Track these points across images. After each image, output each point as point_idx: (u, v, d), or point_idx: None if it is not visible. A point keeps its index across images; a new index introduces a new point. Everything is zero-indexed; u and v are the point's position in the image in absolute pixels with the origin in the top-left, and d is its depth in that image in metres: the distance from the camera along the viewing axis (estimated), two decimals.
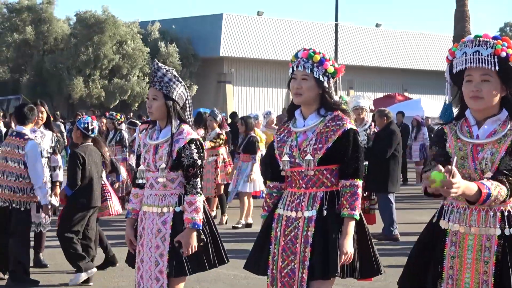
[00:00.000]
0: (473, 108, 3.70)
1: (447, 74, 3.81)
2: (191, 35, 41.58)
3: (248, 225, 12.31)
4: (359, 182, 4.59)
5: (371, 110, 11.77)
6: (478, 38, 3.67)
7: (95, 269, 8.12)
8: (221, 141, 12.61)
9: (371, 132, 11.10)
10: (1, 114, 25.42)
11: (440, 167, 3.30)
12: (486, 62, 3.60)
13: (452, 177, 3.27)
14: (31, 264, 8.46)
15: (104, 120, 14.20)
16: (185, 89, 5.29)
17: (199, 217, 5.10)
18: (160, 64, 5.27)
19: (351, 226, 4.55)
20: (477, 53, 3.63)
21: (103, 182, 8.76)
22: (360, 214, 4.63)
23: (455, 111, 3.88)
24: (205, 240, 5.16)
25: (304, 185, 4.62)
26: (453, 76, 3.77)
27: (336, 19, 33.19)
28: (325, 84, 4.63)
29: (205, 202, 5.44)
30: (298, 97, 4.64)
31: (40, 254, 8.97)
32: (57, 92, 39.26)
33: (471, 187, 3.41)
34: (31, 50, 40.25)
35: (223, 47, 41.19)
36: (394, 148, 10.99)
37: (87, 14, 39.46)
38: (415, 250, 3.90)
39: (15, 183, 7.94)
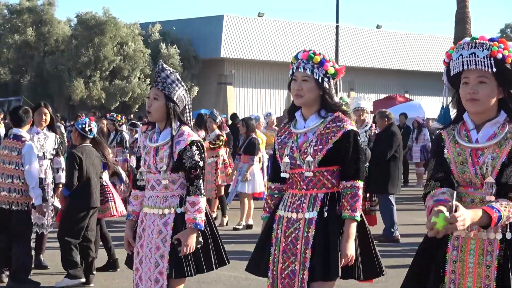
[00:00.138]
0: (470, 110, 3.68)
1: (445, 77, 3.80)
2: (192, 37, 41.58)
3: (249, 227, 12.30)
4: (360, 184, 4.59)
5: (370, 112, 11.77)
6: (474, 40, 3.66)
7: (83, 279, 8.10)
8: (220, 143, 12.61)
9: (372, 133, 11.10)
10: (2, 115, 25.40)
11: (441, 208, 3.33)
12: (482, 64, 3.59)
13: (455, 211, 3.28)
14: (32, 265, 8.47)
15: (105, 122, 14.21)
16: (186, 93, 5.29)
17: (202, 218, 5.10)
18: (165, 65, 5.28)
19: (352, 228, 4.54)
20: (473, 55, 3.61)
21: (105, 183, 8.77)
22: (361, 216, 4.63)
23: (453, 114, 3.87)
24: (203, 243, 5.15)
25: (304, 187, 4.62)
26: (451, 79, 3.76)
27: (337, 21, 33.20)
28: (326, 85, 4.63)
29: (206, 203, 5.45)
30: (298, 98, 4.64)
31: (41, 255, 8.98)
32: (58, 94, 39.26)
33: (478, 215, 3.42)
34: (31, 52, 40.26)
35: (224, 49, 41.20)
36: (394, 149, 10.99)
37: (88, 16, 39.46)
38: (418, 253, 3.89)
39: (13, 184, 7.94)
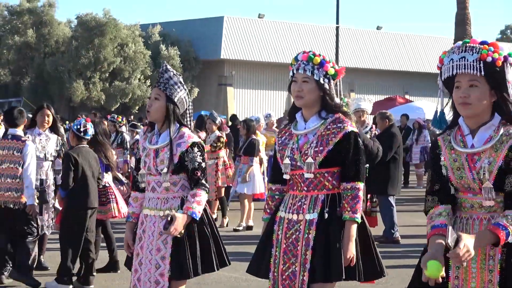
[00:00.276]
0: (463, 114, 3.68)
1: (440, 81, 3.80)
2: (192, 38, 41.59)
3: (249, 228, 12.30)
4: (360, 185, 4.59)
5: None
6: (465, 44, 3.67)
7: (70, 287, 8.10)
8: (221, 144, 12.61)
9: (372, 134, 11.10)
10: (2, 116, 25.40)
11: (426, 255, 3.41)
12: (472, 68, 3.59)
13: (456, 245, 3.32)
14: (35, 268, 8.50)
15: (105, 123, 14.23)
16: (188, 96, 5.30)
17: (199, 209, 5.08)
18: (168, 67, 5.29)
19: (353, 229, 4.54)
20: (463, 59, 3.61)
21: (107, 185, 8.77)
22: (362, 217, 4.63)
23: (449, 117, 3.87)
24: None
25: (305, 188, 4.62)
26: (446, 83, 3.76)
27: (337, 22, 33.20)
28: (326, 86, 4.63)
29: (207, 204, 5.45)
30: (299, 99, 4.64)
31: (41, 256, 8.97)
32: (58, 95, 39.27)
33: (483, 238, 3.46)
34: (32, 53, 40.26)
35: (224, 50, 41.20)
36: (394, 151, 10.99)
37: (88, 17, 39.47)
38: (417, 268, 3.88)
39: (13, 183, 7.95)
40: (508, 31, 71.53)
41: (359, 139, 4.63)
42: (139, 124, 17.01)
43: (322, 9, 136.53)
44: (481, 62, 3.59)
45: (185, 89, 5.27)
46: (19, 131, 8.13)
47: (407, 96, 40.08)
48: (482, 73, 3.58)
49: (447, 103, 3.80)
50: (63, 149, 8.74)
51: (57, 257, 8.61)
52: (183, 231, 5.06)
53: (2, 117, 23.11)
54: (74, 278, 8.18)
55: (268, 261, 4.67)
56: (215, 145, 12.51)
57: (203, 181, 5.15)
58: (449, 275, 3.70)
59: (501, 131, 3.62)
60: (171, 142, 5.14)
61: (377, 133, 11.20)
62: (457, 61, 3.63)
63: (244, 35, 42.06)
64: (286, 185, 4.79)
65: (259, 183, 12.43)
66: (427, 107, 29.81)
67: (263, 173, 13.09)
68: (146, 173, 5.25)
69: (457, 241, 3.36)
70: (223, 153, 12.77)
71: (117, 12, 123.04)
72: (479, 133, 3.67)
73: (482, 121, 3.67)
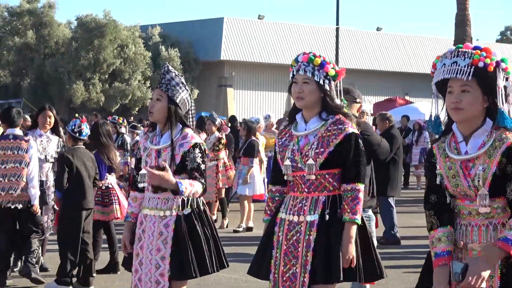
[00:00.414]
0: (455, 119, 3.68)
1: (434, 86, 3.80)
2: (192, 39, 41.60)
3: (249, 229, 12.30)
4: (361, 186, 4.58)
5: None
6: (457, 49, 3.67)
7: None
8: (222, 146, 12.60)
9: None
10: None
11: None
12: (463, 73, 3.58)
13: (463, 277, 3.37)
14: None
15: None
16: (190, 97, 5.31)
17: (189, 188, 4.99)
18: (170, 68, 5.30)
19: (352, 231, 4.54)
20: (455, 64, 3.61)
21: (110, 186, 8.77)
22: (362, 219, 4.63)
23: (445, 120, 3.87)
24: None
25: (306, 189, 4.61)
26: (440, 88, 3.76)
27: (337, 23, 33.21)
28: (327, 87, 4.63)
29: (206, 205, 5.45)
30: (300, 101, 4.63)
31: (41, 257, 8.97)
32: (58, 96, 39.27)
33: (494, 257, 3.49)
34: (32, 54, 40.26)
35: (224, 51, 41.21)
36: (394, 152, 10.98)
37: (88, 18, 39.46)
38: (426, 261, 3.88)
39: (14, 183, 7.95)
40: (508, 32, 71.51)
41: (359, 140, 4.63)
42: (139, 125, 17.00)
43: (322, 10, 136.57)
44: (473, 67, 3.58)
45: (187, 90, 5.28)
46: (19, 130, 8.13)
47: (407, 97, 40.08)
48: (474, 78, 3.58)
49: (442, 107, 3.80)
50: (63, 151, 8.74)
51: (57, 258, 8.61)
52: (161, 184, 5.00)
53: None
54: (74, 279, 8.18)
55: (268, 262, 4.67)
56: (217, 148, 12.49)
57: (203, 180, 5.14)
58: (452, 281, 3.70)
59: (494, 136, 3.62)
60: (172, 143, 5.14)
61: None
62: (449, 66, 3.63)
63: (244, 36, 42.07)
64: (287, 186, 4.78)
65: (259, 184, 12.44)
66: (427, 108, 29.80)
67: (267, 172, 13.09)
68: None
69: (466, 268, 3.41)
70: (223, 155, 12.77)
71: (117, 13, 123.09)
72: (472, 139, 3.67)
73: (475, 126, 3.66)
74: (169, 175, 4.90)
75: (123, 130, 14.50)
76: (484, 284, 3.45)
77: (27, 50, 40.11)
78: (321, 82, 4.61)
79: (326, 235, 4.53)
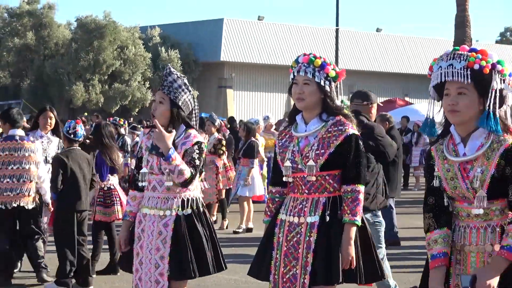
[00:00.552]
0: (452, 121, 3.69)
1: (431, 88, 3.81)
2: (192, 40, 41.61)
3: (249, 230, 12.30)
4: (361, 188, 4.58)
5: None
6: (454, 52, 3.67)
7: None
8: (224, 148, 12.59)
9: None
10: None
11: None
12: (459, 75, 3.59)
13: (474, 283, 3.41)
14: (31, 269, 8.49)
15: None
16: (193, 98, 5.32)
17: (175, 160, 5.02)
18: (172, 69, 5.30)
19: (352, 232, 4.53)
20: (451, 66, 3.62)
21: (112, 187, 8.77)
22: (362, 220, 4.63)
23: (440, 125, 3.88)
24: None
25: (306, 191, 4.61)
26: (438, 90, 3.77)
27: (337, 24, 33.22)
28: (327, 88, 4.63)
29: (205, 207, 5.46)
30: (300, 102, 4.63)
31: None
32: (58, 97, 39.29)
33: (500, 267, 3.51)
34: (31, 55, 40.28)
35: (224, 52, 41.22)
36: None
37: (88, 19, 39.49)
38: (427, 263, 3.88)
39: (18, 184, 7.96)
40: (508, 33, 71.54)
41: (360, 141, 4.63)
42: (139, 126, 17.00)
43: (321, 11, 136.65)
44: (469, 69, 3.59)
45: (190, 91, 5.29)
46: (21, 131, 8.15)
47: (407, 98, 40.10)
48: (470, 80, 3.59)
49: (439, 110, 3.81)
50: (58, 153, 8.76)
51: (56, 259, 8.62)
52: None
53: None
54: (74, 281, 8.18)
55: (268, 263, 4.67)
56: (220, 152, 12.47)
57: (192, 170, 5.13)
58: (450, 283, 3.72)
59: (491, 137, 3.62)
60: (174, 144, 5.16)
61: None
62: (445, 68, 3.64)
63: (243, 37, 42.08)
64: (287, 187, 4.78)
65: (258, 185, 12.44)
66: (426, 109, 29.76)
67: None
68: (148, 172, 5.26)
69: (474, 279, 3.43)
70: (223, 156, 12.76)
71: (116, 14, 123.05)
72: (470, 141, 3.67)
73: (472, 128, 3.67)
74: (169, 137, 5.02)
75: (123, 131, 14.50)
76: None
77: (27, 51, 40.13)
78: (322, 83, 4.61)
79: (327, 237, 4.53)
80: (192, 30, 42.23)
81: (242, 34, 42.11)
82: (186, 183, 5.12)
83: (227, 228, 12.56)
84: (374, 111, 7.18)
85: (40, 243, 8.26)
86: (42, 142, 8.47)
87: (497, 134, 3.61)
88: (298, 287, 4.53)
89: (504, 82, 3.65)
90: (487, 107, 3.60)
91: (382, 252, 7.02)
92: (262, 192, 12.60)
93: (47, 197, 8.17)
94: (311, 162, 4.55)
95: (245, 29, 42.36)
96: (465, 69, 3.59)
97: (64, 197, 7.89)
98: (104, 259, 8.98)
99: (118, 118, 15.11)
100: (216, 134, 12.62)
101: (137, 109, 40.23)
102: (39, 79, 39.48)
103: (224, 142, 12.66)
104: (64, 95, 38.70)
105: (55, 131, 8.72)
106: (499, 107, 3.64)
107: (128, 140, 14.29)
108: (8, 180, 7.95)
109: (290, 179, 4.67)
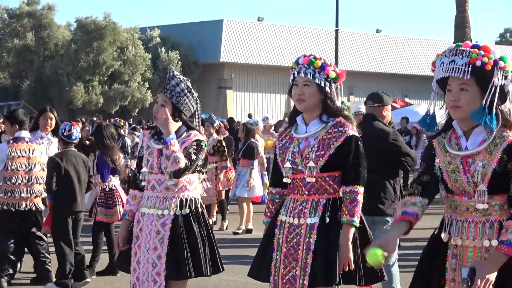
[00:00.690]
0: (454, 117, 3.71)
1: (435, 83, 3.82)
2: (192, 41, 41.62)
3: (249, 231, 12.30)
4: (360, 189, 4.58)
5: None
6: (456, 48, 3.68)
7: None
8: (225, 150, 12.58)
9: None
10: (2, 119, 25.39)
11: (377, 244, 3.59)
12: (461, 71, 3.60)
13: (471, 282, 3.41)
14: (32, 270, 8.50)
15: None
16: (196, 101, 5.34)
17: (174, 146, 5.09)
18: (175, 73, 5.33)
19: (349, 233, 4.52)
20: (453, 62, 3.63)
21: (114, 188, 8.77)
22: (362, 221, 4.62)
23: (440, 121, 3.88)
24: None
25: (306, 192, 4.61)
26: (441, 86, 3.78)
27: (337, 25, 33.22)
28: (327, 89, 4.63)
29: (204, 208, 5.47)
30: (300, 103, 4.63)
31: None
32: (58, 98, 39.30)
33: (499, 261, 3.51)
34: (31, 56, 40.29)
35: (224, 53, 41.23)
36: None
37: (88, 20, 39.51)
38: (420, 261, 3.89)
39: (28, 186, 7.98)
40: (508, 34, 71.57)
41: (359, 143, 4.63)
42: (138, 127, 17.00)
43: (321, 12, 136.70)
44: (470, 66, 3.60)
45: (192, 94, 5.33)
46: (28, 132, 8.16)
47: (406, 99, 40.12)
48: (472, 76, 3.60)
49: (442, 106, 3.81)
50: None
51: (56, 260, 8.63)
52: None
53: (1, 120, 23.26)
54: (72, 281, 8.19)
55: (268, 264, 4.67)
56: (224, 157, 12.44)
57: (188, 162, 5.15)
58: (446, 277, 3.72)
59: (494, 133, 3.64)
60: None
61: None
62: (447, 64, 3.65)
63: (243, 38, 42.09)
64: (287, 188, 4.78)
65: (258, 186, 12.43)
66: (425, 110, 29.77)
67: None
68: (148, 172, 5.27)
69: (474, 272, 3.42)
70: (227, 158, 12.74)
71: (116, 15, 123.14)
72: (472, 135, 3.69)
73: (474, 124, 3.68)
74: (174, 125, 5.13)
75: (123, 132, 14.50)
76: (490, 285, 3.47)
77: (26, 52, 40.15)
78: (322, 84, 4.61)
79: (326, 238, 4.52)
80: (192, 31, 42.23)
81: (242, 35, 42.13)
82: (179, 173, 5.14)
83: (226, 229, 12.56)
84: (386, 113, 7.14)
85: (43, 246, 8.25)
86: (43, 143, 8.48)
87: (492, 130, 3.62)
88: None
89: (506, 79, 3.65)
90: (483, 102, 3.61)
91: (395, 255, 6.98)
92: (261, 193, 12.59)
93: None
94: (311, 164, 4.55)
95: (245, 30, 42.38)
96: (467, 66, 3.60)
97: (58, 198, 7.89)
98: (103, 260, 8.98)
99: (118, 119, 15.11)
100: (215, 135, 12.62)
101: (136, 110, 40.25)
102: (39, 80, 39.49)
103: (224, 144, 12.65)
104: (64, 96, 38.71)
105: (55, 132, 8.72)
106: (502, 104, 3.65)
107: (128, 141, 14.28)
108: (19, 182, 7.96)
109: (290, 180, 4.68)
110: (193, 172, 5.33)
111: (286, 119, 4.93)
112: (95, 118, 26.32)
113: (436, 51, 46.32)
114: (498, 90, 3.61)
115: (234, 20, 42.54)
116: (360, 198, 4.58)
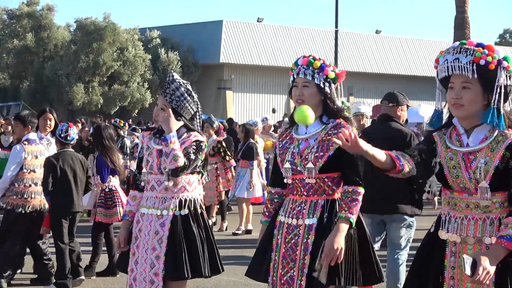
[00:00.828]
0: (455, 115, 3.71)
1: (438, 80, 3.82)
2: (191, 42, 41.62)
3: (248, 232, 12.30)
4: (362, 190, 4.56)
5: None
6: (461, 46, 3.68)
7: None
8: (226, 151, 12.57)
9: None
10: (1, 120, 25.39)
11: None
12: (465, 70, 3.60)
13: (473, 273, 3.40)
14: (32, 270, 8.51)
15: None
16: (196, 104, 5.35)
17: (173, 144, 5.08)
18: (175, 77, 5.33)
19: (343, 227, 4.44)
20: (457, 60, 3.64)
21: (114, 188, 8.77)
22: (360, 221, 4.61)
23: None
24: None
25: (305, 193, 4.61)
26: (444, 83, 3.78)
27: (336, 26, 33.24)
28: (327, 90, 4.63)
29: (204, 209, 5.46)
30: (300, 104, 4.63)
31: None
32: (57, 99, 39.30)
33: (499, 255, 3.51)
34: (31, 57, 40.30)
35: (223, 54, 41.23)
36: None
37: (87, 21, 39.52)
38: (415, 259, 3.89)
39: (38, 187, 7.99)
40: (507, 35, 71.58)
41: None
42: (138, 128, 16.99)
43: (321, 13, 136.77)
44: (474, 64, 3.60)
45: (192, 97, 5.33)
46: (35, 134, 8.18)
47: None
48: (475, 75, 3.60)
49: (445, 104, 3.81)
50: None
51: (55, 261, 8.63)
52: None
53: (1, 121, 23.25)
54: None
55: (267, 265, 4.66)
56: (227, 159, 12.42)
57: (186, 160, 5.15)
58: (445, 275, 3.72)
59: (496, 131, 3.64)
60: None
61: None
62: (451, 62, 3.66)
63: (243, 39, 42.10)
64: (286, 188, 4.78)
65: (257, 187, 12.42)
66: (426, 111, 29.77)
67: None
68: (148, 172, 5.27)
69: (474, 264, 3.42)
70: (230, 159, 12.73)
71: (116, 16, 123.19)
72: (474, 133, 3.70)
73: (475, 122, 3.69)
74: (175, 123, 5.12)
75: (123, 133, 14.49)
76: (489, 278, 3.47)
77: (26, 53, 40.16)
78: (321, 85, 4.60)
79: (324, 239, 4.51)
80: (191, 32, 42.24)
81: (241, 36, 42.13)
82: (177, 172, 5.14)
83: (226, 229, 12.56)
84: (401, 112, 7.14)
85: (45, 247, 8.26)
86: (42, 144, 8.48)
87: (501, 130, 3.62)
88: None
89: (510, 79, 3.65)
90: (492, 103, 3.61)
91: (405, 255, 6.99)
92: (260, 194, 12.59)
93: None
94: (310, 165, 4.54)
95: (244, 30, 42.38)
96: (470, 64, 3.61)
97: (54, 199, 7.89)
98: (103, 260, 8.98)
99: (118, 120, 15.11)
100: (214, 136, 12.61)
101: (136, 110, 40.25)
102: (38, 80, 39.50)
103: (223, 144, 12.65)
104: (63, 96, 38.72)
105: (55, 133, 8.73)
106: (504, 103, 3.66)
107: (128, 142, 14.28)
108: (30, 183, 7.97)
109: (290, 181, 4.67)
110: (192, 173, 5.32)
111: (286, 119, 4.92)
112: (98, 119, 26.29)
113: (435, 52, 46.39)
114: (503, 90, 3.62)
115: (233, 21, 42.54)
116: (361, 199, 4.56)
